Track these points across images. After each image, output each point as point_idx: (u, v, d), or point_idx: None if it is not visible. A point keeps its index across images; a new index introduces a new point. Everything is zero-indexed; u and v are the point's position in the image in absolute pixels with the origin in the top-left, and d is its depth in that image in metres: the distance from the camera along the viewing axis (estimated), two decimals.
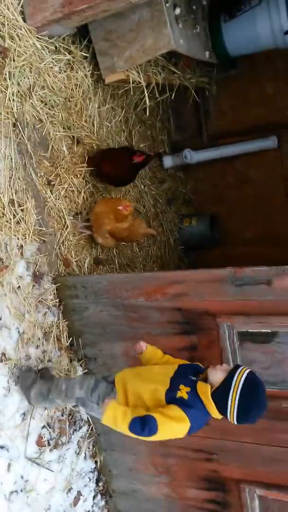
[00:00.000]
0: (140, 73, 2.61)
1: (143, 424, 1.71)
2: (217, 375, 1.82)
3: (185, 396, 1.81)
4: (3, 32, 2.27)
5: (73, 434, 2.58)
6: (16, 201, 2.34)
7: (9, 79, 2.28)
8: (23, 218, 2.36)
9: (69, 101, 2.64)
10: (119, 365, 2.56)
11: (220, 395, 1.77)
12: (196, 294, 2.24)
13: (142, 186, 3.56)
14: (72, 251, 2.73)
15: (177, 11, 2.46)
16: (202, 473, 2.56)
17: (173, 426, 1.76)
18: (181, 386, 1.84)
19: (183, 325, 2.32)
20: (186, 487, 2.65)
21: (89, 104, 2.76)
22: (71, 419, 2.57)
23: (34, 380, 2.22)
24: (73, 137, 2.71)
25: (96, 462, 2.79)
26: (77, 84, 2.64)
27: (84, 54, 2.66)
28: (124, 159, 2.77)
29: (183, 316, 2.30)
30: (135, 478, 2.81)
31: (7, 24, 2.27)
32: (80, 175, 2.80)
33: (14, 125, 2.36)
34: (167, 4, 2.36)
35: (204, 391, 1.81)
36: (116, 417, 1.77)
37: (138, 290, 2.39)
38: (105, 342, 2.56)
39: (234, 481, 2.47)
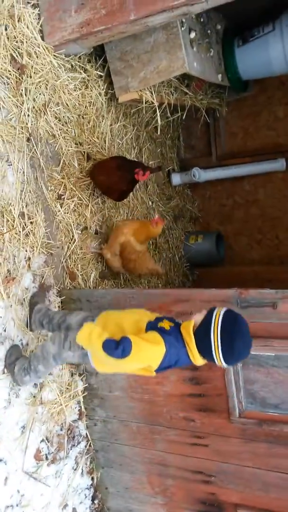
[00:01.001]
0: (153, 93, 2.66)
1: (118, 344, 1.64)
2: (196, 317, 1.78)
3: (167, 327, 1.76)
4: (21, 49, 2.33)
5: (71, 449, 2.57)
6: (26, 214, 2.36)
7: (25, 95, 2.33)
8: (32, 230, 2.39)
9: (83, 118, 2.69)
10: (119, 381, 2.56)
11: (202, 333, 1.70)
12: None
13: (150, 203, 3.60)
14: (79, 265, 2.75)
15: (192, 35, 2.52)
16: (199, 495, 2.52)
17: (148, 348, 1.67)
18: (165, 320, 1.81)
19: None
20: (182, 509, 2.61)
21: (102, 121, 2.81)
22: (69, 434, 2.56)
23: (17, 357, 2.17)
24: (85, 152, 2.75)
25: (92, 478, 2.76)
26: (91, 101, 2.69)
27: (99, 73, 2.72)
28: (116, 170, 2.64)
29: None
30: (131, 497, 2.77)
31: (26, 42, 2.33)
32: (88, 189, 2.84)
33: (28, 139, 2.40)
34: (182, 28, 2.42)
35: (187, 326, 1.75)
36: (91, 333, 1.72)
37: (143, 306, 2.39)
38: None
39: (232, 505, 2.43)
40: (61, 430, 2.51)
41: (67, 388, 2.53)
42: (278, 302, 2.04)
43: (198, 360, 1.75)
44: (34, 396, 2.33)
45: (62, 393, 2.49)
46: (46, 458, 2.38)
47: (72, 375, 2.59)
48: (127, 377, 2.52)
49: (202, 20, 2.75)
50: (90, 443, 2.71)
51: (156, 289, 2.39)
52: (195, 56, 2.55)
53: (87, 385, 2.63)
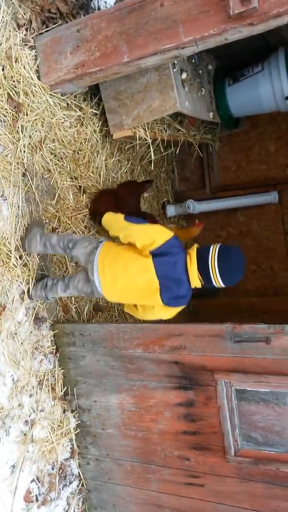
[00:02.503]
0: (147, 130, 2.73)
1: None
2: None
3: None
4: (18, 88, 2.40)
5: (62, 489, 2.48)
6: (21, 247, 2.37)
7: (21, 132, 2.39)
8: (26, 264, 2.39)
9: (78, 154, 2.74)
10: (113, 419, 2.51)
11: (201, 258, 2.02)
12: (194, 348, 2.22)
13: None
14: (72, 298, 2.74)
15: (184, 75, 2.61)
16: None
17: (158, 227, 2.14)
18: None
19: (180, 379, 2.29)
20: None
21: (97, 156, 2.87)
22: (61, 473, 2.48)
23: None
24: (80, 186, 2.79)
25: None
26: (86, 138, 2.76)
27: (94, 111, 2.80)
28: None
29: (180, 370, 2.28)
30: None
31: (22, 81, 2.41)
32: (83, 222, 2.87)
33: (24, 174, 2.44)
34: (174, 69, 2.51)
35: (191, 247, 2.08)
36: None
37: (136, 340, 2.38)
38: (100, 393, 2.52)
39: None
40: (53, 469, 2.44)
41: (59, 426, 2.48)
42: (271, 337, 2.03)
43: (194, 276, 2.04)
44: (24, 434, 2.28)
45: (54, 430, 2.43)
46: (37, 499, 2.30)
47: (64, 412, 2.54)
48: (121, 414, 2.47)
49: (193, 61, 2.85)
50: (82, 482, 2.63)
51: (149, 323, 2.38)
52: (186, 96, 2.64)
53: (79, 422, 2.57)
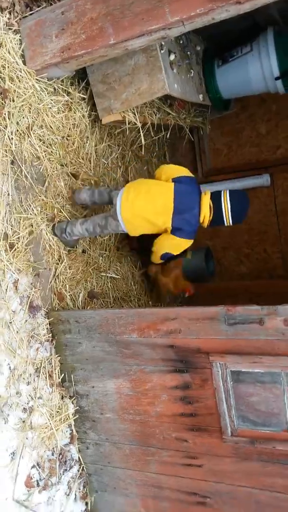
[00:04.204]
0: (136, 114, 2.70)
1: None
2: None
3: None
4: (3, 74, 2.35)
5: (63, 474, 2.51)
6: (11, 236, 2.36)
7: (8, 118, 2.35)
8: (18, 253, 2.38)
9: (67, 140, 2.71)
10: (111, 403, 2.53)
11: (214, 196, 2.45)
12: (188, 331, 2.24)
13: None
14: (67, 285, 2.74)
15: (172, 57, 2.57)
16: None
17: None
18: None
19: (176, 363, 2.30)
20: None
21: (86, 142, 2.84)
22: (61, 458, 2.51)
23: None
24: (71, 173, 2.76)
25: (86, 503, 2.69)
26: (74, 123, 2.72)
27: (82, 95, 2.76)
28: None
29: (176, 354, 2.29)
30: None
31: (8, 66, 2.36)
32: (74, 209, 2.85)
33: (12, 162, 2.42)
34: (162, 51, 2.47)
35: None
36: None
37: (131, 326, 2.38)
38: (98, 379, 2.54)
39: None
40: (53, 455, 2.47)
41: (58, 412, 2.49)
42: (265, 319, 2.05)
43: (206, 204, 2.42)
44: (23, 421, 2.29)
45: (53, 416, 2.45)
46: (38, 484, 2.33)
47: (62, 398, 2.56)
48: (119, 398, 2.49)
49: (181, 42, 2.81)
50: (82, 467, 2.66)
51: (144, 308, 2.40)
52: (175, 78, 2.60)
53: (78, 407, 2.60)
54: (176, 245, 2.57)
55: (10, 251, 2.33)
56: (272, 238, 4.05)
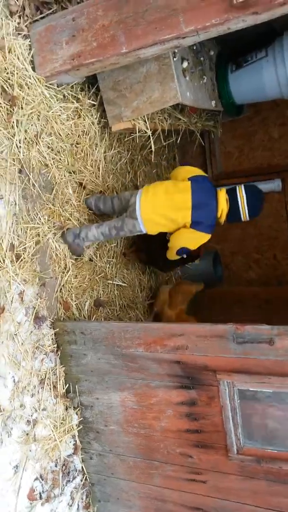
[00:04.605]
0: (147, 122, 2.64)
1: None
2: None
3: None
4: (12, 80, 2.30)
5: (66, 485, 2.50)
6: (18, 246, 2.33)
7: (17, 126, 2.31)
8: (24, 263, 2.35)
9: (76, 147, 2.66)
10: (115, 416, 2.51)
11: (230, 192, 2.56)
12: (196, 348, 2.20)
13: None
14: (73, 294, 2.71)
15: (185, 64, 2.50)
16: None
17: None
18: None
19: (183, 379, 2.27)
20: None
21: (95, 149, 2.79)
22: (64, 469, 2.50)
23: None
24: (79, 182, 2.71)
25: None
26: (84, 130, 2.67)
27: (92, 102, 2.70)
28: None
29: (182, 370, 2.26)
30: None
31: (17, 73, 2.31)
32: (82, 215, 2.81)
33: (20, 171, 2.37)
34: (175, 59, 2.40)
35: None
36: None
37: (138, 340, 2.35)
38: (102, 391, 2.51)
39: None
40: (56, 466, 2.45)
41: (62, 423, 2.48)
42: (275, 339, 2.00)
43: (223, 199, 2.52)
44: (27, 434, 2.28)
45: (57, 428, 2.44)
46: (40, 497, 2.32)
47: (66, 409, 2.54)
48: (124, 411, 2.47)
49: (194, 48, 2.73)
50: (86, 476, 2.65)
51: (151, 323, 2.37)
52: (187, 86, 2.53)
53: (82, 418, 2.58)
54: (195, 238, 2.60)
55: (16, 262, 2.29)
56: (282, 244, 3.99)
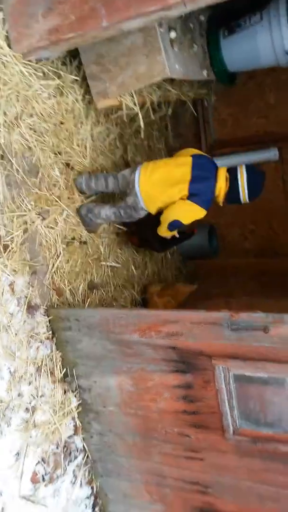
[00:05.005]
0: (134, 96, 2.49)
1: None
2: None
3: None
4: None
5: (68, 465, 2.57)
6: (5, 236, 2.26)
7: None
8: (13, 253, 2.29)
9: (60, 127, 2.53)
10: (113, 398, 2.54)
11: (231, 172, 2.52)
12: (190, 334, 2.18)
13: None
14: (65, 279, 2.67)
15: (173, 34, 2.32)
16: (197, 504, 2.55)
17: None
18: None
19: (178, 364, 2.27)
20: None
21: (81, 127, 2.65)
22: (65, 451, 2.55)
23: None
24: (66, 163, 2.60)
25: (92, 488, 2.78)
26: (67, 109, 2.52)
27: (75, 77, 2.53)
28: None
29: (177, 355, 2.26)
30: (130, 504, 2.81)
31: None
32: (71, 199, 2.72)
33: (2, 156, 2.27)
34: (161, 29, 2.22)
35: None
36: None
37: (132, 326, 2.33)
38: (99, 375, 2.53)
39: None
40: (57, 448, 2.51)
41: (61, 407, 2.51)
42: (270, 326, 1.98)
43: (222, 176, 2.49)
44: (26, 421, 2.31)
45: (56, 412, 2.47)
46: (43, 479, 2.38)
47: (65, 392, 2.56)
48: (121, 394, 2.49)
49: (183, 15, 2.52)
50: (87, 454, 2.72)
51: (145, 310, 2.35)
52: (176, 58, 2.36)
53: (80, 401, 2.61)
54: (189, 211, 2.54)
55: (4, 253, 2.23)
56: (278, 215, 3.91)
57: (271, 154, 3.63)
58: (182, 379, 2.29)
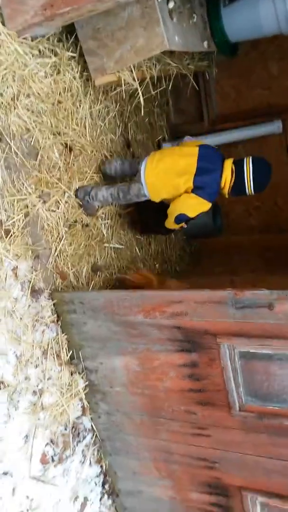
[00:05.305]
0: (133, 71, 2.41)
1: None
2: None
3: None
4: None
5: (77, 445, 2.61)
6: (6, 221, 2.23)
7: None
8: (15, 238, 2.27)
9: (58, 106, 2.47)
10: (120, 378, 2.56)
11: (237, 164, 2.51)
12: (195, 314, 2.18)
13: None
14: (69, 262, 2.65)
15: (171, 4, 2.22)
16: (204, 479, 2.60)
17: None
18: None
19: (183, 343, 2.27)
20: (189, 491, 2.71)
21: (80, 106, 2.59)
22: (74, 431, 2.59)
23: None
24: (66, 144, 2.55)
25: (101, 466, 2.84)
26: (65, 87, 2.45)
27: (71, 54, 2.45)
28: None
29: (182, 334, 2.26)
30: (140, 480, 2.87)
31: None
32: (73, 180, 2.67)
33: (0, 139, 2.22)
34: None
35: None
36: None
37: (136, 307, 2.33)
38: (105, 356, 2.54)
39: (236, 488, 2.50)
40: (65, 429, 2.55)
41: (68, 389, 2.53)
42: (274, 303, 1.97)
43: (228, 167, 2.49)
44: (34, 404, 2.34)
45: (63, 394, 2.50)
46: (53, 460, 2.43)
47: (71, 374, 2.59)
48: (127, 374, 2.51)
49: None
50: (96, 434, 2.76)
51: (149, 291, 2.34)
52: (175, 29, 2.27)
53: (87, 382, 2.63)
54: (195, 205, 2.55)
55: (6, 238, 2.22)
56: (283, 190, 3.84)
57: (275, 126, 3.54)
58: (187, 358, 2.29)
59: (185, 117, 3.98)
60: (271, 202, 3.96)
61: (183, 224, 2.79)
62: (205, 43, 2.71)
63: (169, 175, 2.50)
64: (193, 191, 2.49)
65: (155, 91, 2.82)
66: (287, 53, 3.40)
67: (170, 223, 2.70)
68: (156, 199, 2.63)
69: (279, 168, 3.81)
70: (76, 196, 2.71)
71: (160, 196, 2.61)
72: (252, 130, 3.68)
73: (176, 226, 2.75)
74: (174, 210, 2.58)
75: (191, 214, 2.57)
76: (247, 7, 2.62)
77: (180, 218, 2.61)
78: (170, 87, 3.57)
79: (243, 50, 3.43)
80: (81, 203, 2.73)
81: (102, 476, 2.83)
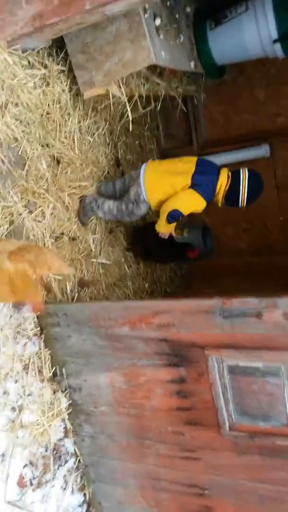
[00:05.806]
0: (122, 87, 2.46)
1: None
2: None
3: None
4: None
5: (58, 469, 2.45)
6: None
7: None
8: None
9: (46, 118, 2.48)
10: (105, 397, 2.44)
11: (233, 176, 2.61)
12: (182, 325, 2.11)
13: None
14: (54, 275, 2.58)
15: (158, 21, 2.30)
16: (194, 508, 2.43)
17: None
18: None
19: (170, 357, 2.19)
20: None
21: (68, 119, 2.61)
22: (55, 454, 2.44)
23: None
24: (53, 156, 2.55)
25: (84, 494, 2.66)
26: (54, 99, 2.48)
27: (61, 67, 2.51)
28: None
29: (169, 347, 2.17)
30: (126, 511, 2.68)
31: None
32: (60, 192, 2.65)
33: None
34: (146, 15, 2.20)
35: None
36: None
37: (122, 319, 2.25)
38: (90, 372, 2.43)
39: None
40: (46, 451, 2.39)
41: (50, 407, 2.40)
42: (263, 312, 1.91)
43: (224, 176, 2.59)
44: (12, 421, 2.21)
45: (44, 413, 2.36)
46: (31, 483, 2.26)
47: (54, 393, 2.46)
48: (113, 392, 2.39)
49: (168, 3, 2.52)
50: (79, 459, 2.60)
51: (135, 301, 2.28)
52: (162, 45, 2.34)
53: (70, 401, 2.50)
54: (190, 199, 2.57)
55: None
56: (272, 213, 3.86)
57: (263, 150, 3.60)
58: (175, 373, 2.20)
59: (175, 141, 4.06)
60: (260, 225, 3.97)
61: (172, 229, 2.82)
62: (192, 63, 2.78)
63: (168, 174, 2.59)
64: (190, 187, 2.55)
65: (144, 111, 2.87)
66: (274, 80, 3.52)
67: (161, 223, 2.69)
68: (154, 201, 2.66)
69: (267, 191, 3.83)
70: (82, 202, 2.78)
71: (158, 198, 2.63)
72: (240, 154, 3.73)
73: (168, 228, 2.74)
74: (167, 207, 2.58)
75: (185, 209, 2.58)
76: (232, 31, 2.72)
77: (172, 215, 2.59)
78: (159, 110, 3.67)
79: (230, 75, 3.55)
80: (83, 209, 2.78)
81: (85, 506, 2.64)
